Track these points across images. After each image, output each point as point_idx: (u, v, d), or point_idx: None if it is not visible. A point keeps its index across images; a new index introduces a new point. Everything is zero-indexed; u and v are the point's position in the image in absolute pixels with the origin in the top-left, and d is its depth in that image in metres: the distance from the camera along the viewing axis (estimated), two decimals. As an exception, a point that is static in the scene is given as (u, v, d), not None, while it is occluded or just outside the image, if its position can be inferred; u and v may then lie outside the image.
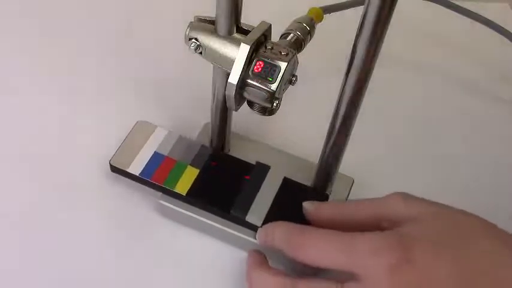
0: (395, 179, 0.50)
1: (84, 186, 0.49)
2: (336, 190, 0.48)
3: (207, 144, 0.49)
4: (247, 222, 0.45)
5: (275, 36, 0.41)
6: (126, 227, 0.47)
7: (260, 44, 0.39)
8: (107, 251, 0.46)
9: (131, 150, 0.48)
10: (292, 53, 0.39)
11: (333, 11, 0.48)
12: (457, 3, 0.57)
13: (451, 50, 0.63)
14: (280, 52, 0.39)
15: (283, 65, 0.38)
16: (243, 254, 0.45)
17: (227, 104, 0.40)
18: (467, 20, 0.57)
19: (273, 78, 0.38)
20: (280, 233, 0.41)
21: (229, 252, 0.46)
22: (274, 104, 0.39)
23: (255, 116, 0.41)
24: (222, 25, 0.39)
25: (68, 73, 0.57)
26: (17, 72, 0.57)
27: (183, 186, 0.46)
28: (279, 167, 0.48)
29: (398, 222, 0.38)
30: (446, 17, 0.58)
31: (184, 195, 0.46)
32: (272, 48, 0.39)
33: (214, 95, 0.45)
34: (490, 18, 0.57)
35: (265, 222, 0.44)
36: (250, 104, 0.41)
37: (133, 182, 0.47)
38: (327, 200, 0.46)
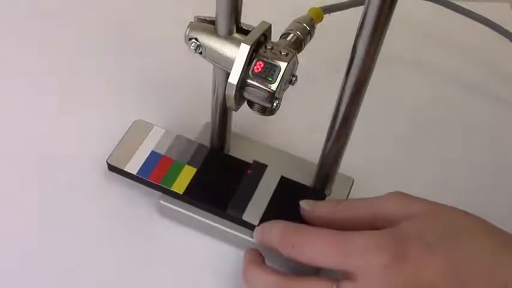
0: (395, 179, 0.50)
1: (83, 186, 0.49)
2: (335, 190, 0.48)
3: (207, 144, 0.49)
4: (244, 221, 0.45)
5: (275, 36, 0.41)
6: (126, 227, 0.47)
7: (260, 44, 0.39)
8: (106, 250, 0.46)
9: (128, 149, 0.48)
10: (292, 53, 0.39)
11: (333, 11, 0.48)
12: (457, 3, 0.57)
13: (451, 50, 0.63)
14: (280, 52, 0.39)
15: (283, 65, 0.38)
16: (241, 253, 0.45)
17: (227, 104, 0.40)
18: (467, 20, 0.57)
19: (273, 78, 0.38)
20: (277, 232, 0.41)
21: (229, 251, 0.46)
22: (274, 104, 0.39)
23: (255, 116, 0.41)
24: (222, 25, 0.39)
25: (68, 73, 0.57)
26: (16, 72, 0.57)
27: (180, 185, 0.46)
28: (276, 166, 0.48)
29: (394, 222, 0.38)
30: (446, 17, 0.58)
31: (181, 194, 0.46)
32: (272, 48, 0.39)
33: (214, 95, 0.45)
34: (490, 18, 0.57)
35: (262, 221, 0.44)
36: (250, 104, 0.41)
37: (133, 181, 0.47)
38: (324, 199, 0.46)
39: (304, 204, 0.44)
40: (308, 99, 0.55)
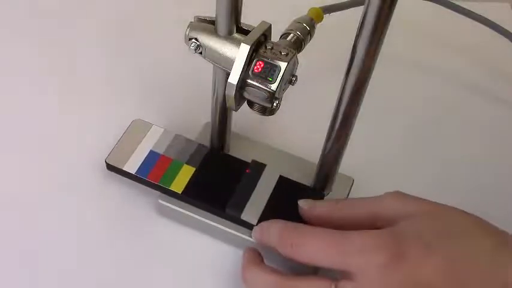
0: (395, 179, 0.50)
1: (83, 186, 0.49)
2: (336, 190, 0.48)
3: (207, 144, 0.49)
4: (243, 220, 0.45)
5: (275, 36, 0.41)
6: (125, 226, 0.47)
7: (260, 44, 0.39)
8: (106, 250, 0.46)
9: (127, 148, 0.48)
10: (292, 53, 0.39)
11: (333, 11, 0.48)
12: (457, 3, 0.57)
13: (451, 50, 0.63)
14: (280, 52, 0.39)
15: (283, 65, 0.38)
16: (240, 253, 0.45)
17: (227, 104, 0.40)
18: (467, 20, 0.57)
19: (273, 78, 0.38)
20: (275, 231, 0.41)
21: (228, 251, 0.46)
22: (274, 104, 0.39)
23: (255, 116, 0.41)
24: (222, 25, 0.39)
25: (68, 73, 0.57)
26: (15, 72, 0.57)
27: (178, 184, 0.46)
28: (275, 165, 0.48)
29: (393, 221, 0.38)
30: (446, 17, 0.58)
31: (180, 193, 0.46)
32: (272, 48, 0.39)
33: (214, 95, 0.45)
34: (490, 18, 0.57)
35: (260, 220, 0.44)
36: (250, 104, 0.41)
37: (132, 181, 0.47)
38: (323, 199, 0.46)
39: (303, 204, 0.44)
40: (308, 99, 0.55)
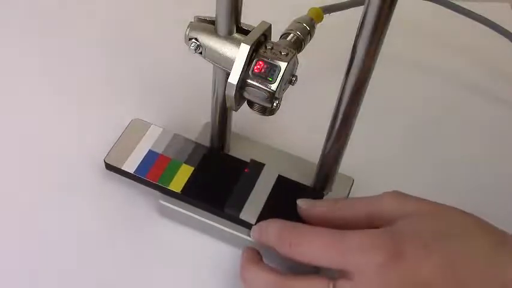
0: (395, 179, 0.50)
1: (83, 186, 0.49)
2: (335, 190, 0.48)
3: (207, 144, 0.49)
4: (242, 219, 0.45)
5: (275, 36, 0.41)
6: (125, 226, 0.47)
7: (260, 44, 0.39)
8: (106, 250, 0.46)
9: (126, 148, 0.48)
10: (292, 53, 0.39)
11: (333, 11, 0.48)
12: (457, 3, 0.57)
13: (451, 50, 0.63)
14: (280, 52, 0.39)
15: (283, 65, 0.38)
16: (240, 253, 0.45)
17: (227, 104, 0.40)
18: (467, 20, 0.57)
19: (273, 78, 0.38)
20: (274, 231, 0.41)
21: (229, 251, 0.46)
22: (274, 104, 0.39)
23: (255, 116, 0.41)
24: (222, 25, 0.39)
25: (68, 73, 0.57)
26: (15, 72, 0.57)
27: (177, 184, 0.46)
28: (275, 165, 0.48)
29: (391, 221, 0.38)
30: (446, 17, 0.58)
31: (179, 192, 0.46)
32: (272, 48, 0.39)
33: (214, 95, 0.45)
34: (490, 18, 0.57)
35: (259, 219, 0.44)
36: (250, 104, 0.41)
37: (132, 181, 0.47)
38: (322, 198, 0.46)
39: (302, 203, 0.44)
40: (308, 99, 0.55)
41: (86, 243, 0.46)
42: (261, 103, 0.39)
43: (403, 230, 0.37)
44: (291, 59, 0.38)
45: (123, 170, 0.47)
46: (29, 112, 0.54)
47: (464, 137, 0.56)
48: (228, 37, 0.39)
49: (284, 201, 0.45)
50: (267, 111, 0.41)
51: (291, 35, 0.42)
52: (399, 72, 0.59)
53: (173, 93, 0.56)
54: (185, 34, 0.40)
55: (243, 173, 0.47)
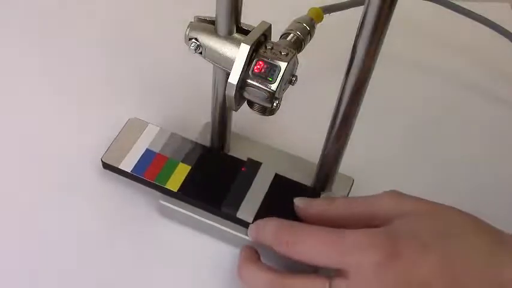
0: (395, 179, 0.50)
1: (82, 185, 0.49)
2: (335, 190, 0.48)
3: (207, 144, 0.49)
4: (239, 218, 0.45)
5: (275, 36, 0.41)
6: (125, 226, 0.47)
7: (260, 44, 0.39)
8: (106, 250, 0.46)
9: (123, 147, 0.48)
10: (292, 53, 0.39)
11: (333, 11, 0.48)
12: (457, 3, 0.57)
13: (451, 50, 0.63)
14: (280, 52, 0.39)
15: (283, 65, 0.38)
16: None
17: (227, 104, 0.40)
18: (467, 20, 0.57)
19: (273, 78, 0.38)
20: (270, 229, 0.41)
21: (229, 251, 0.46)
22: (274, 104, 0.39)
23: (255, 116, 0.41)
24: (222, 25, 0.39)
25: (68, 73, 0.57)
26: (15, 72, 0.57)
27: (174, 182, 0.46)
28: (270, 163, 0.48)
29: (388, 220, 0.38)
30: (446, 17, 0.58)
31: (176, 191, 0.46)
32: (272, 48, 0.39)
33: (214, 95, 0.45)
34: (490, 18, 0.57)
35: (256, 218, 0.44)
36: (250, 104, 0.41)
37: (132, 181, 0.47)
38: (319, 197, 0.46)
39: (299, 202, 0.44)
40: (308, 99, 0.54)
41: (86, 243, 0.46)
42: (261, 103, 0.39)
43: (400, 229, 0.37)
44: (291, 59, 0.38)
45: (121, 169, 0.47)
46: (29, 112, 0.54)
47: (464, 137, 0.56)
48: (228, 37, 0.39)
49: (281, 200, 0.45)
50: (267, 111, 0.41)
51: (291, 35, 0.42)
52: (399, 72, 0.59)
53: (173, 93, 0.56)
54: (185, 34, 0.40)
55: (240, 172, 0.47)
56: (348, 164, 0.46)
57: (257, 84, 0.38)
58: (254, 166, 0.48)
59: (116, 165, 0.47)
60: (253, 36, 0.38)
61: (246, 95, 0.39)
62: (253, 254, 0.43)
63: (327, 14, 0.46)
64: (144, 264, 0.45)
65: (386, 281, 0.35)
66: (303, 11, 0.45)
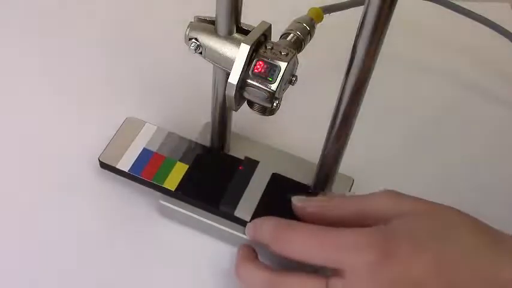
0: (395, 179, 0.49)
1: (83, 186, 0.49)
2: (336, 190, 0.48)
3: (207, 144, 0.49)
4: (237, 217, 0.45)
5: (275, 36, 0.41)
6: (125, 227, 0.47)
7: (260, 44, 0.39)
8: (106, 250, 0.46)
9: (120, 146, 0.48)
10: (292, 53, 0.39)
11: (333, 11, 0.48)
12: (457, 3, 0.57)
13: (451, 50, 0.63)
14: (280, 52, 0.39)
15: (283, 65, 0.38)
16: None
17: (227, 104, 0.40)
18: (467, 20, 0.57)
19: (273, 78, 0.38)
20: (268, 228, 0.41)
21: (230, 251, 0.46)
22: (274, 104, 0.39)
23: (255, 116, 0.41)
24: (222, 25, 0.39)
25: (68, 73, 0.57)
26: (15, 72, 0.57)
27: (172, 182, 0.46)
28: (268, 162, 0.48)
29: (385, 219, 0.38)
30: (446, 17, 0.58)
31: (173, 190, 0.46)
32: (272, 48, 0.39)
33: (214, 95, 0.45)
34: (490, 18, 0.57)
35: (254, 217, 0.44)
36: (250, 104, 0.41)
37: (133, 181, 0.47)
38: (316, 195, 0.46)
39: (296, 201, 0.44)
40: (308, 99, 0.54)
41: (85, 243, 0.46)
42: (261, 103, 0.39)
43: (397, 229, 0.37)
44: (291, 59, 0.38)
45: (118, 169, 0.47)
46: (29, 112, 0.54)
47: (464, 137, 0.56)
48: (228, 37, 0.39)
49: (279, 199, 0.45)
50: (267, 111, 0.41)
51: (291, 35, 0.42)
52: (399, 72, 0.59)
53: (173, 93, 0.56)
54: (185, 34, 0.40)
55: (238, 171, 0.47)
56: (348, 164, 0.46)
57: (257, 84, 0.38)
58: (251, 165, 0.48)
59: (113, 165, 0.47)
60: (253, 36, 0.38)
61: (246, 95, 0.39)
62: (251, 252, 0.43)
63: (327, 14, 0.46)
64: (144, 264, 0.45)
65: (382, 281, 0.35)
66: (303, 11, 0.45)
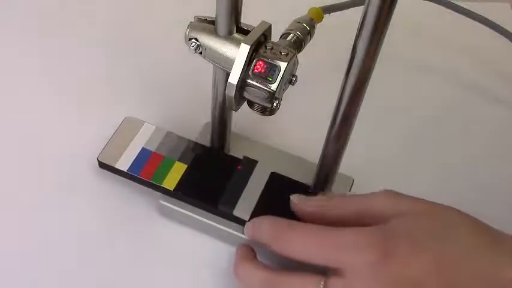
0: (395, 179, 0.49)
1: (83, 186, 0.49)
2: (335, 190, 0.48)
3: (207, 144, 0.49)
4: (235, 216, 0.45)
5: (275, 36, 0.41)
6: (125, 227, 0.47)
7: (260, 44, 0.39)
8: (106, 250, 0.46)
9: (119, 146, 0.48)
10: (292, 53, 0.39)
11: (333, 11, 0.48)
12: (457, 3, 0.57)
13: (451, 50, 0.63)
14: (280, 52, 0.39)
15: (283, 65, 0.38)
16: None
17: (227, 104, 0.40)
18: (467, 20, 0.57)
19: (273, 78, 0.38)
20: (266, 228, 0.41)
21: (229, 250, 0.46)
22: (274, 104, 0.39)
23: (255, 116, 0.41)
24: (222, 25, 0.39)
25: (67, 73, 0.57)
26: (15, 72, 0.57)
27: (170, 181, 0.46)
28: (266, 161, 0.48)
29: (385, 219, 0.38)
30: (446, 17, 0.58)
31: (172, 190, 0.46)
32: (272, 48, 0.39)
33: (214, 95, 0.45)
34: (490, 18, 0.57)
35: (252, 216, 0.44)
36: (250, 104, 0.41)
37: (132, 181, 0.47)
38: (315, 194, 0.46)
39: (295, 199, 0.44)
40: (308, 99, 0.54)
41: (85, 243, 0.46)
42: (261, 103, 0.39)
43: (396, 229, 0.37)
44: (291, 59, 0.38)
45: (117, 169, 0.47)
46: (29, 112, 0.54)
47: (464, 137, 0.56)
48: (228, 37, 0.39)
49: (277, 198, 0.45)
50: (267, 111, 0.41)
51: (291, 35, 0.42)
52: (399, 72, 0.59)
53: (173, 93, 0.56)
54: (185, 34, 0.40)
55: (236, 170, 0.47)
56: (348, 164, 0.46)
57: (257, 84, 0.38)
58: (250, 164, 0.48)
59: (112, 165, 0.47)
60: (253, 36, 0.38)
61: (246, 95, 0.39)
62: (250, 252, 0.43)
63: (327, 14, 0.46)
64: (144, 264, 0.45)
65: (382, 280, 0.35)
66: (303, 11, 0.45)
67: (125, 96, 0.56)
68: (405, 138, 0.55)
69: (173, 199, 0.46)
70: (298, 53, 0.41)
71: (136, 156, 0.47)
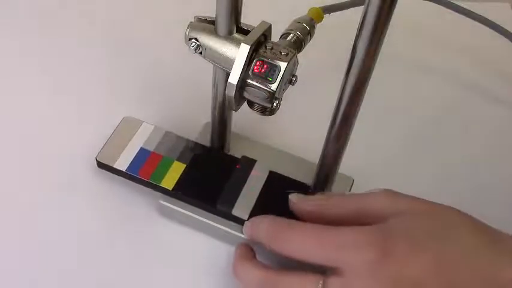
0: (395, 179, 0.49)
1: (83, 186, 0.49)
2: (336, 190, 0.48)
3: (207, 144, 0.49)
4: (234, 215, 0.45)
5: (275, 36, 0.41)
6: (125, 227, 0.47)
7: (260, 44, 0.39)
8: (106, 250, 0.46)
9: (117, 146, 0.48)
10: (292, 53, 0.39)
11: (333, 11, 0.48)
12: (457, 3, 0.57)
13: (451, 49, 0.63)
14: (280, 52, 0.39)
15: (283, 65, 0.38)
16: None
17: (227, 104, 0.40)
18: (467, 20, 0.57)
19: (273, 78, 0.38)
20: (265, 227, 0.41)
21: (229, 250, 0.46)
22: (274, 104, 0.39)
23: (255, 116, 0.41)
24: (222, 25, 0.39)
25: (67, 73, 0.57)
26: (15, 72, 0.57)
27: (169, 181, 0.46)
28: (265, 160, 0.48)
29: (383, 218, 0.38)
30: (447, 17, 0.58)
31: (171, 190, 0.46)
32: (272, 48, 0.39)
33: (214, 95, 0.45)
34: (490, 18, 0.57)
35: (251, 215, 0.44)
36: (250, 104, 0.41)
37: (131, 181, 0.47)
38: (313, 193, 0.46)
39: (294, 199, 0.44)
40: (308, 99, 0.54)
41: (85, 243, 0.46)
42: (261, 103, 0.39)
43: (394, 228, 0.37)
44: (291, 59, 0.38)
45: (115, 168, 0.47)
46: (29, 112, 0.54)
47: (464, 137, 0.56)
48: (228, 37, 0.39)
49: (277, 197, 0.45)
50: (267, 111, 0.41)
51: (291, 35, 0.42)
52: (399, 72, 0.59)
53: (173, 93, 0.56)
54: (185, 34, 0.40)
55: (235, 169, 0.47)
56: (348, 164, 0.46)
57: (257, 84, 0.38)
58: (249, 163, 0.48)
59: (110, 164, 0.47)
60: (253, 36, 0.38)
61: (246, 95, 0.39)
62: (249, 251, 0.43)
63: (327, 14, 0.46)
64: (144, 263, 0.45)
65: (382, 279, 0.35)
66: (303, 11, 0.45)
67: (125, 96, 0.56)
68: (405, 138, 0.55)
69: (173, 199, 0.46)
70: (298, 53, 0.41)
71: (135, 156, 0.47)
